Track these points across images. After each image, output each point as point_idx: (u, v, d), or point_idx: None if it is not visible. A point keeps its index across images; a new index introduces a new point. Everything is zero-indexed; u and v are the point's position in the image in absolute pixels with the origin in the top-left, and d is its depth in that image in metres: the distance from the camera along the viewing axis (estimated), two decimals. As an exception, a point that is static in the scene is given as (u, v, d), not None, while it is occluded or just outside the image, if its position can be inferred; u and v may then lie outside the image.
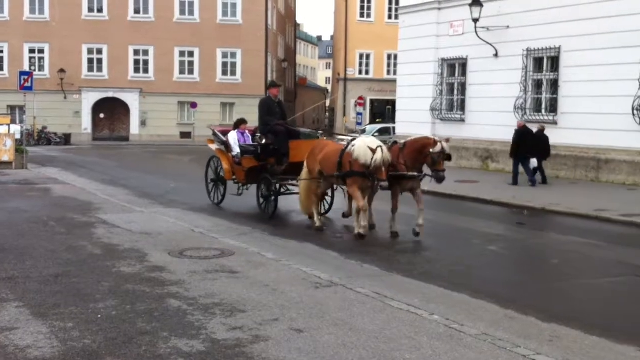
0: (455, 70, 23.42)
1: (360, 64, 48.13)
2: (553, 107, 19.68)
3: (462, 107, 23.02)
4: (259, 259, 8.41)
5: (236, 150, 13.15)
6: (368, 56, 47.92)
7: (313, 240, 10.35)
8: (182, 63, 41.81)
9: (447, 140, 10.21)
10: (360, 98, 45.84)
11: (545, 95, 20.03)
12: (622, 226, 11.96)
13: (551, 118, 19.54)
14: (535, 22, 19.60)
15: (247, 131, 13.61)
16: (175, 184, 18.01)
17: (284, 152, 12.12)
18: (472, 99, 22.43)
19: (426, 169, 10.34)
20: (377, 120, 43.66)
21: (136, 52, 41.53)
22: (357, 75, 47.95)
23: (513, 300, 6.97)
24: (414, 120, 24.12)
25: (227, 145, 13.45)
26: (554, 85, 19.65)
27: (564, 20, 18.72)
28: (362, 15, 47.54)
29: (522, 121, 18.46)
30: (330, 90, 67.75)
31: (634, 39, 16.76)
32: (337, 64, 51.72)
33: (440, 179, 10.00)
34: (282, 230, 11.21)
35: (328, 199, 12.50)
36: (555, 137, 18.72)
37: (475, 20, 20.76)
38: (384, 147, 9.80)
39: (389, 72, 46.03)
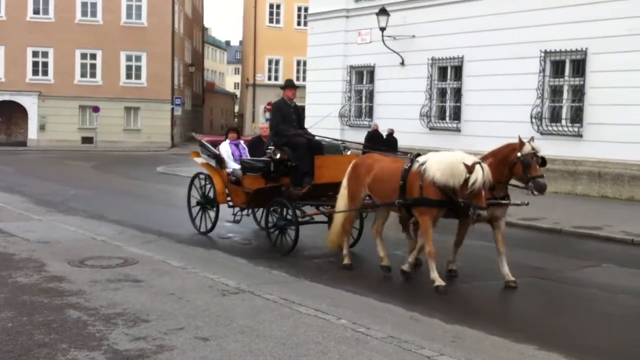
0: (363, 78, 23.78)
1: (270, 70, 48.13)
2: (457, 115, 20.31)
3: (370, 114, 23.39)
4: (164, 267, 8.20)
5: (231, 165, 10.81)
6: (277, 62, 47.98)
7: (221, 247, 10.22)
8: (83, 66, 40.42)
9: (532, 139, 8.14)
10: (270, 104, 45.65)
11: (449, 104, 20.65)
12: (522, 229, 12.43)
13: (455, 126, 20.17)
14: (440, 32, 20.18)
15: (242, 142, 11.31)
16: (76, 191, 17.36)
17: (306, 171, 9.66)
18: (380, 106, 22.83)
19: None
20: (286, 126, 43.70)
21: (35, 54, 39.84)
22: (266, 81, 47.89)
23: (418, 303, 7.11)
24: (323, 126, 24.21)
25: (219, 160, 10.98)
26: (458, 93, 20.29)
27: (467, 31, 19.37)
28: (271, 20, 47.58)
29: (375, 125, 19.31)
30: (239, 96, 67.43)
31: (532, 50, 17.54)
32: (246, 69, 51.51)
33: (540, 188, 7.79)
34: (189, 237, 10.97)
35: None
36: (458, 144, 19.27)
37: (382, 29, 21.15)
38: (484, 164, 7.51)
39: (298, 78, 46.14)
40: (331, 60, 24.14)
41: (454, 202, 7.63)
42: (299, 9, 45.63)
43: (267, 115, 45.29)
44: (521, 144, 7.90)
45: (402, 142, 20.80)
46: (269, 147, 9.99)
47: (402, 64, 21.61)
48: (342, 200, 8.95)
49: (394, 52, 21.51)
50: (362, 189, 8.64)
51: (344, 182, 8.92)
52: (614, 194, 16.26)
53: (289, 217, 9.60)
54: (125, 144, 39.38)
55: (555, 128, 17.43)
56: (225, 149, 11.00)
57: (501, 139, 18.15)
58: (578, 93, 17.16)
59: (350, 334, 5.76)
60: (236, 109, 71.07)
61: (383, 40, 21.41)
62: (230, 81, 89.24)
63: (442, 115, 20.85)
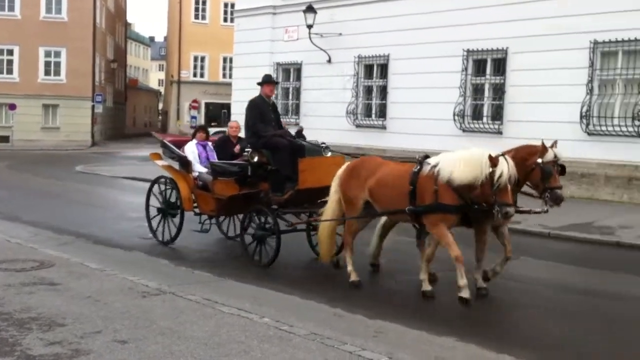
0: (290, 75, 23.73)
1: (195, 67, 47.52)
2: (382, 113, 20.52)
3: (296, 111, 23.37)
4: (81, 270, 7.93)
5: (198, 169, 9.90)
6: (203, 59, 47.40)
7: (142, 248, 9.96)
8: None
9: (555, 144, 7.31)
10: (195, 101, 45.23)
11: (375, 101, 20.84)
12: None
13: (380, 123, 20.37)
14: (366, 31, 20.31)
15: (210, 143, 10.29)
16: (-9, 191, 16.65)
17: (288, 175, 8.83)
18: (307, 103, 22.82)
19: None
20: (212, 124, 43.33)
21: (-52, 49, 38.04)
22: (191, 78, 47.28)
23: (341, 300, 7.12)
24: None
25: (184, 162, 10.01)
26: (384, 91, 20.50)
27: (392, 30, 19.55)
28: (196, 16, 46.98)
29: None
30: (163, 93, 66.27)
31: (455, 49, 17.87)
32: (170, 66, 50.71)
33: (558, 200, 7.11)
34: (107, 238, 10.65)
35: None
36: (384, 141, 19.60)
37: (309, 27, 21.15)
38: (508, 157, 6.82)
39: (224, 75, 45.83)
40: (258, 57, 23.96)
41: (472, 207, 6.94)
42: (225, 5, 45.26)
43: (192, 112, 44.86)
44: (544, 149, 7.09)
45: (329, 140, 20.88)
46: (246, 150, 9.20)
47: (329, 61, 21.67)
48: (332, 206, 8.11)
49: (321, 49, 21.55)
50: (362, 194, 7.73)
51: (335, 187, 8.07)
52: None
53: (268, 226, 8.71)
54: (43, 143, 37.98)
55: (476, 125, 17.85)
56: (191, 149, 10.02)
57: (426, 136, 18.64)
58: (499, 91, 17.60)
59: (273, 332, 5.71)
60: (160, 106, 69.84)
61: (310, 38, 21.41)
62: (154, 78, 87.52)
63: (368, 113, 21.02)
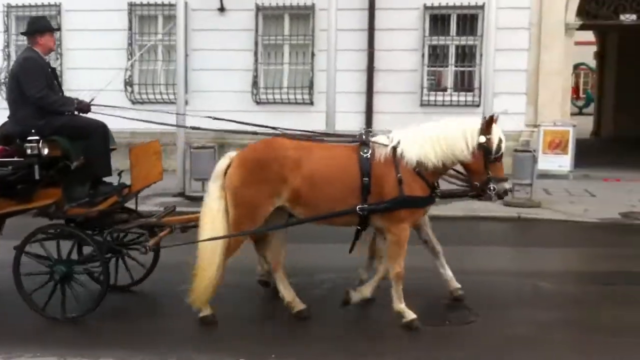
0: None
1: None
2: None
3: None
4: None
5: None
6: None
7: None
8: None
9: (496, 120, 5.55)
10: None
11: None
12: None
13: None
14: None
15: None
16: None
17: (101, 173, 5.95)
18: None
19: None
20: None
21: None
22: None
23: None
24: None
25: None
26: None
27: None
28: None
29: None
30: None
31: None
32: None
33: (504, 193, 5.53)
34: None
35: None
36: None
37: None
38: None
39: None
40: None
41: (437, 194, 5.52)
42: None
43: None
44: (490, 123, 5.32)
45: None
46: (29, 138, 5.55)
47: None
48: (217, 220, 5.35)
49: None
50: (274, 199, 5.33)
51: (217, 192, 5.37)
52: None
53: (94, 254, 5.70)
54: None
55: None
56: None
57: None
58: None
59: None
60: None
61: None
62: None
63: None
